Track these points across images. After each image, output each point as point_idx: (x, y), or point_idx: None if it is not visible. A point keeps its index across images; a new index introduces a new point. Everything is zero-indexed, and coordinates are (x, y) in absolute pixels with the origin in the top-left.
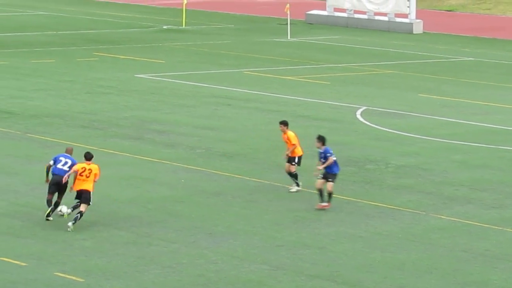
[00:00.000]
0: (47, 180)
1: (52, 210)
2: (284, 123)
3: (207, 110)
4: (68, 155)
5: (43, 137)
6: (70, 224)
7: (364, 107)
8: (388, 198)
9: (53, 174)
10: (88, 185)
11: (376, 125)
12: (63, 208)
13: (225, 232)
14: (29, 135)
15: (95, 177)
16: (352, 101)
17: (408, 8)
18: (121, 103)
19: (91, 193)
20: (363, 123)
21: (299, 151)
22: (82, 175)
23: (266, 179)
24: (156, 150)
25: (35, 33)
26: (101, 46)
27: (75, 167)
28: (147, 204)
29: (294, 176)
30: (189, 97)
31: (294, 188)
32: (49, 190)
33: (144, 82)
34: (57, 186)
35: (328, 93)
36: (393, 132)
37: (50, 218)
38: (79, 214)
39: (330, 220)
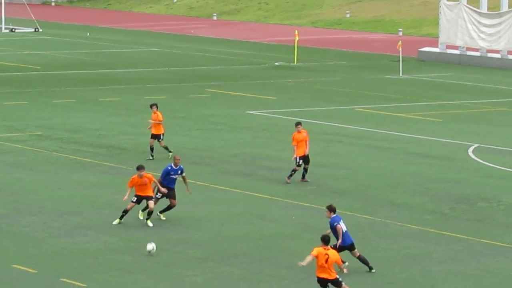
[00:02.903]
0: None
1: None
2: None
3: (319, 147)
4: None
5: (154, 173)
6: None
7: (476, 145)
8: (500, 236)
9: None
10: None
11: (488, 162)
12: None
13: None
14: None
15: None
16: (464, 138)
17: None
18: (232, 140)
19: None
20: (475, 160)
21: None
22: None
23: (378, 216)
24: (268, 187)
25: (148, 69)
26: (213, 83)
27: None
28: (258, 241)
29: None
30: None
31: None
32: None
33: (256, 118)
34: None
35: (440, 131)
36: (506, 170)
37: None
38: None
39: (441, 258)
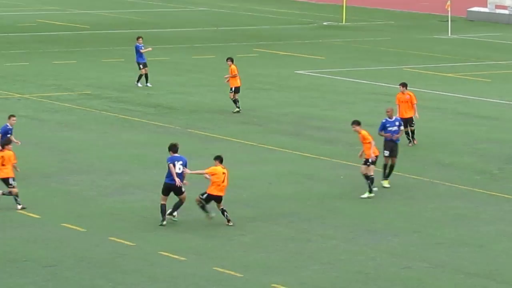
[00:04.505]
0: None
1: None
2: None
3: (367, 106)
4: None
5: (203, 133)
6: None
7: None
8: None
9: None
10: None
11: None
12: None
13: (384, 229)
14: (189, 130)
15: None
16: None
17: None
18: (280, 99)
19: None
20: None
21: None
22: None
23: (426, 176)
24: (315, 147)
25: (196, 29)
26: (261, 42)
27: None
28: (306, 200)
29: None
30: (349, 93)
31: None
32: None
33: (304, 78)
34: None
35: (489, 91)
36: None
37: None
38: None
39: (489, 218)
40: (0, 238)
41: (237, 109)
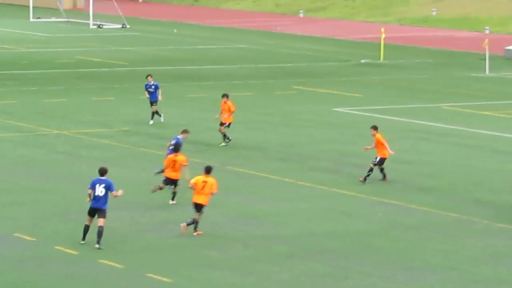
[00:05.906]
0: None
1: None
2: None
3: (405, 144)
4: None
5: (241, 169)
6: None
7: None
8: None
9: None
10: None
11: None
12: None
13: (422, 267)
14: (227, 167)
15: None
16: None
17: None
18: (319, 136)
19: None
20: None
21: None
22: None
23: (464, 214)
24: (354, 184)
25: (234, 66)
26: (299, 80)
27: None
28: (344, 237)
29: None
30: (387, 131)
31: None
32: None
33: (342, 115)
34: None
35: None
36: None
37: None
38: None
39: None
40: (38, 274)
41: (227, 141)
